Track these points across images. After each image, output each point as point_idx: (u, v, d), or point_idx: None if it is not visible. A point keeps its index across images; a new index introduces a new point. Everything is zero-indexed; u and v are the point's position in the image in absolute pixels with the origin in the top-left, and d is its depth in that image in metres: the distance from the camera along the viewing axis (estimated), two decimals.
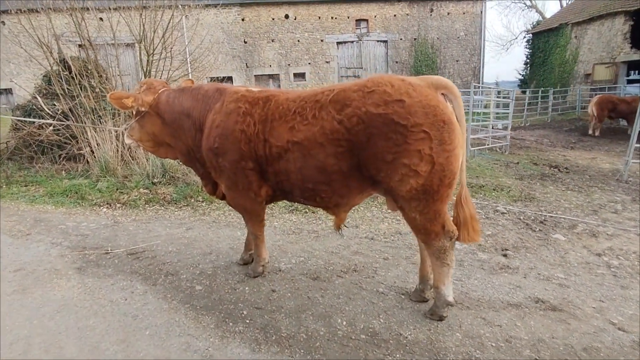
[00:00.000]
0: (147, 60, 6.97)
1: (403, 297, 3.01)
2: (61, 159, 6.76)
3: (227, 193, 3.02)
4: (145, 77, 7.12)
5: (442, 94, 2.37)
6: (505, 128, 10.52)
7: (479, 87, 16.61)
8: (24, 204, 5.26)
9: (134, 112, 3.02)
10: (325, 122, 2.40)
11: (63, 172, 6.57)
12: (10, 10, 7.31)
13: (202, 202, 5.49)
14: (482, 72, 24.48)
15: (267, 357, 2.31)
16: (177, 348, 2.39)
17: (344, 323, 2.65)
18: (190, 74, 22.06)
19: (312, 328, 2.60)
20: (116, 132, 6.05)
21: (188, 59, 22.04)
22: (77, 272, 3.34)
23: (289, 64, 23.20)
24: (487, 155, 9.19)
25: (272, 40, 22.76)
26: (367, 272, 3.42)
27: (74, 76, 6.87)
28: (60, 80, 6.81)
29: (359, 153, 2.38)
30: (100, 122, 6.53)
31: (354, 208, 5.09)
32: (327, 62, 23.43)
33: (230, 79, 22.99)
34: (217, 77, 23.14)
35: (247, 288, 3.11)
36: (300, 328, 2.60)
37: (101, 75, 7.93)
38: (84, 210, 5.05)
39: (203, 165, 3.06)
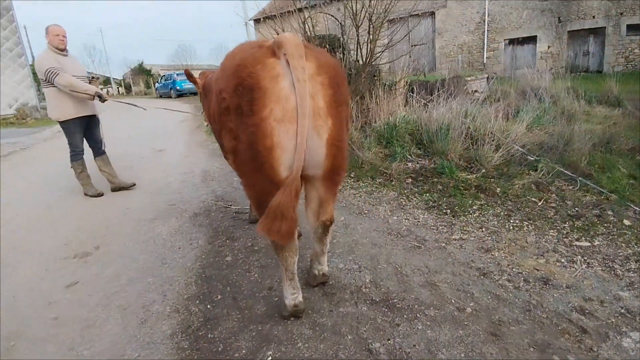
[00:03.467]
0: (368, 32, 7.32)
1: None
2: None
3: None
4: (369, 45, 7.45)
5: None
6: None
7: None
8: None
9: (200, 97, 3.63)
10: None
11: None
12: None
13: (379, 182, 4.80)
14: None
15: (181, 298, 2.68)
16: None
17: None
18: (485, 36, 20.23)
19: (247, 303, 2.59)
20: None
21: (486, 19, 20.17)
22: (190, 217, 4.18)
23: (621, 13, 17.12)
24: None
25: None
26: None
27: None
28: None
29: None
30: None
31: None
32: None
33: (533, 38, 19.64)
34: (517, 39, 20.04)
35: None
36: (240, 293, 2.69)
37: (344, 49, 9.01)
38: None
39: None
